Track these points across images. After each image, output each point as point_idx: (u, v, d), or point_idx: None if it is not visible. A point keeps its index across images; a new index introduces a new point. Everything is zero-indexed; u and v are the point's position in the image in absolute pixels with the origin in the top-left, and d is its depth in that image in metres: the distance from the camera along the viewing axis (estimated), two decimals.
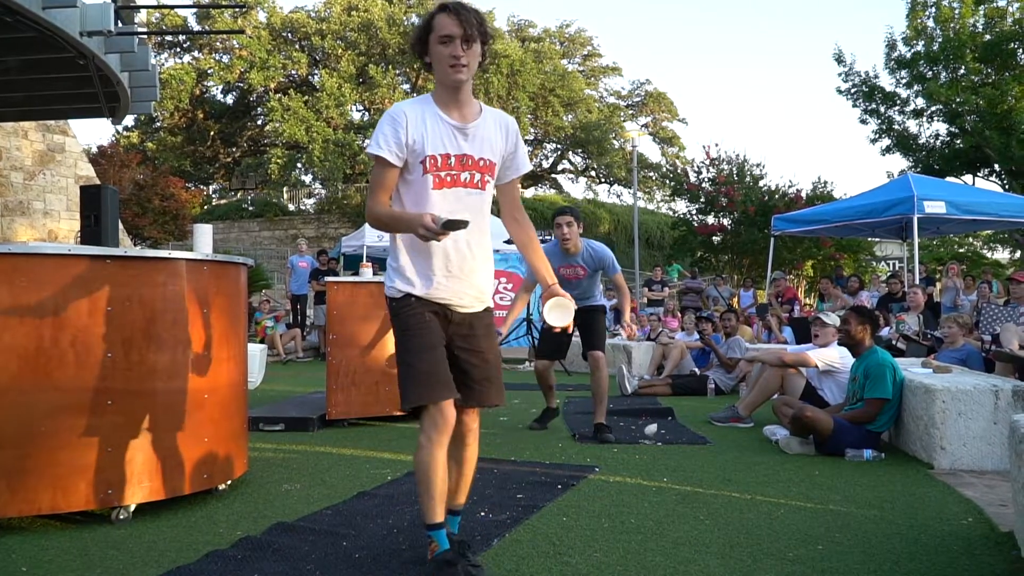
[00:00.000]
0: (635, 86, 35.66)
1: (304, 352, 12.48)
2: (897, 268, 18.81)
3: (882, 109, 23.41)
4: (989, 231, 22.71)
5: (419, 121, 2.38)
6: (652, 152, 41.31)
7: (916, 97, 22.79)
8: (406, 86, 29.81)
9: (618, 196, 36.06)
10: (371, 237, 14.54)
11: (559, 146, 34.54)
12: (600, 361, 5.15)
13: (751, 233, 19.15)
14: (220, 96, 32.46)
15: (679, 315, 11.62)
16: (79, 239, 5.00)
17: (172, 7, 21.59)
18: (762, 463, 4.26)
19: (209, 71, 30.19)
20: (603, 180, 35.36)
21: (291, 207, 30.35)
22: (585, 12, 74.69)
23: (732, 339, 7.82)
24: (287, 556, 2.63)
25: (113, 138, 30.22)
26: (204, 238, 3.86)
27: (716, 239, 20.97)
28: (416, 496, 3.42)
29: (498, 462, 4.22)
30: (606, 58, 42.08)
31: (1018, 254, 25.54)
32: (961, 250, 28.91)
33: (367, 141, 2.89)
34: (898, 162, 35.03)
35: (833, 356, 5.22)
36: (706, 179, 21.22)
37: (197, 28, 29.13)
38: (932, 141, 23.45)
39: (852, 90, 23.48)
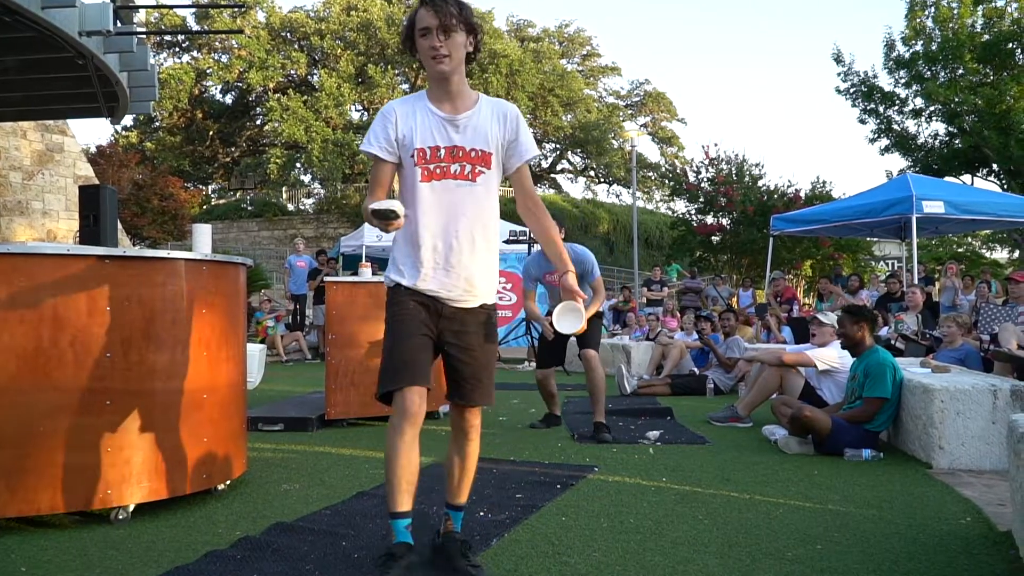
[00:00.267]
0: (634, 86, 35.74)
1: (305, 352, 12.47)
2: (896, 268, 18.81)
3: (881, 109, 23.43)
4: (988, 231, 22.73)
5: (409, 116, 2.40)
6: (651, 152, 41.34)
7: (915, 97, 22.81)
8: (405, 86, 29.81)
9: (617, 196, 36.12)
10: (370, 237, 14.54)
11: (558, 146, 34.57)
12: (594, 360, 5.16)
13: (750, 233, 19.17)
14: (219, 96, 32.48)
15: (678, 315, 11.63)
16: (78, 239, 5.00)
17: (171, 7, 21.57)
18: (761, 463, 4.26)
19: (208, 71, 30.19)
20: (602, 180, 35.40)
21: (290, 207, 30.36)
22: (584, 12, 74.75)
23: (731, 339, 7.82)
24: (286, 556, 2.63)
25: (112, 138, 30.21)
26: (203, 238, 3.86)
27: (715, 239, 21.00)
28: (416, 495, 3.43)
29: (497, 462, 4.22)
30: (605, 58, 42.11)
31: (1016, 254, 25.56)
32: (960, 250, 28.93)
33: None
34: (897, 162, 35.04)
35: (832, 356, 5.22)
36: (705, 179, 21.23)
37: (196, 28, 29.14)
38: (931, 141, 23.47)
39: (851, 90, 23.49)
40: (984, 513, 3.21)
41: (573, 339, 5.34)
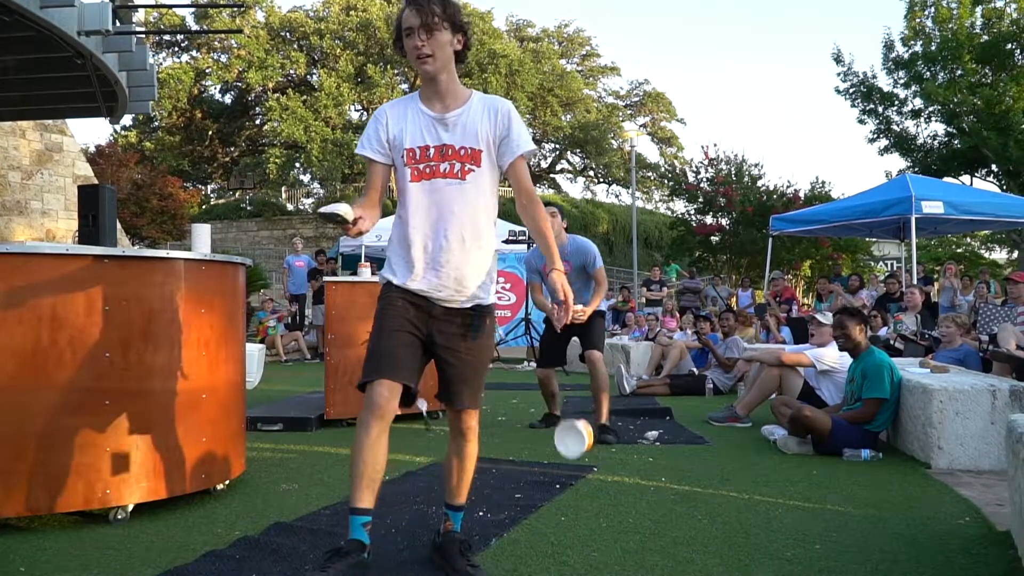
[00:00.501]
0: (633, 86, 35.77)
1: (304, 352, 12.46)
2: (895, 268, 18.83)
3: (880, 109, 23.43)
4: (987, 231, 22.74)
5: (400, 117, 2.40)
6: (650, 152, 41.33)
7: (914, 97, 22.81)
8: (404, 86, 29.81)
9: (616, 196, 36.14)
10: (369, 237, 14.52)
11: (557, 146, 34.58)
12: (598, 361, 5.08)
13: (749, 233, 19.18)
14: (218, 96, 32.48)
15: (677, 315, 11.63)
16: (77, 239, 5.00)
17: (170, 6, 21.58)
18: (760, 463, 4.26)
19: (207, 71, 30.19)
20: (601, 180, 35.41)
21: (289, 207, 30.37)
22: (583, 12, 74.76)
23: (730, 339, 7.82)
24: (285, 556, 2.63)
25: (111, 137, 30.23)
26: (202, 238, 3.86)
27: (714, 239, 21.01)
28: (415, 495, 3.44)
29: (496, 462, 4.22)
30: (604, 58, 42.16)
31: (1015, 254, 25.56)
32: (959, 250, 28.95)
33: None
34: (896, 162, 35.07)
35: (831, 356, 5.22)
36: (704, 179, 21.25)
37: (195, 27, 29.14)
38: (930, 141, 23.47)
39: (850, 90, 23.49)
40: (983, 513, 3.22)
41: (575, 339, 5.28)
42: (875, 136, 23.89)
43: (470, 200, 2.37)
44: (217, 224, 25.46)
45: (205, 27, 27.78)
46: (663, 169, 31.71)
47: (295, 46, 30.22)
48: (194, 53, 30.81)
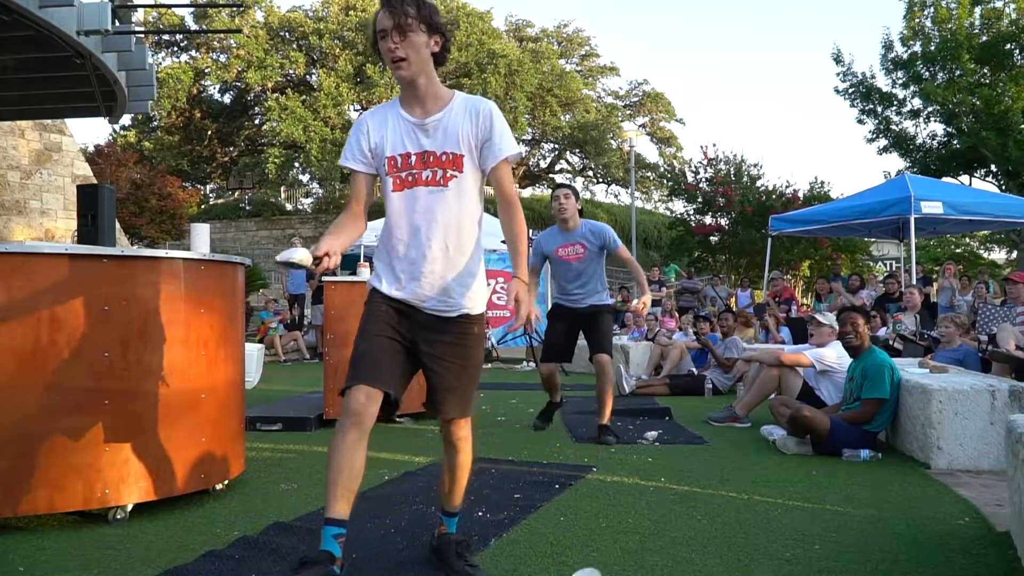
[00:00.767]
0: (633, 86, 35.74)
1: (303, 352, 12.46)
2: (894, 268, 18.85)
3: (879, 109, 23.44)
4: (986, 231, 22.76)
5: (381, 124, 2.35)
6: (650, 152, 41.34)
7: (913, 97, 22.82)
8: None
9: (616, 196, 36.15)
10: (368, 237, 14.52)
11: (557, 146, 34.57)
12: (607, 366, 4.97)
13: (748, 233, 19.19)
14: (217, 95, 32.45)
15: (676, 315, 11.63)
16: (76, 238, 4.99)
17: (169, 6, 21.57)
18: (759, 463, 4.26)
19: (206, 70, 30.17)
20: (601, 180, 35.40)
21: (288, 207, 30.38)
22: (583, 12, 74.77)
23: (729, 339, 7.82)
24: (284, 556, 2.62)
25: (110, 137, 30.21)
26: (201, 238, 3.86)
27: (713, 239, 21.03)
28: (414, 495, 3.43)
29: (495, 462, 4.22)
30: (604, 58, 42.15)
31: (1014, 254, 25.58)
32: (958, 250, 28.98)
33: None
34: (895, 162, 35.04)
35: (831, 356, 5.22)
36: (703, 179, 21.26)
37: (194, 27, 29.11)
38: (929, 141, 23.47)
39: (850, 90, 23.50)
40: (982, 513, 3.22)
41: (583, 341, 5.15)
42: (874, 136, 23.90)
43: (453, 207, 2.30)
44: (216, 224, 25.47)
45: (204, 27, 27.76)
46: (662, 169, 31.71)
47: (294, 46, 30.20)
48: (193, 53, 30.80)
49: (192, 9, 27.84)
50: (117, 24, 7.14)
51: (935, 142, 23.39)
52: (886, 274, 14.93)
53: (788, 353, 5.51)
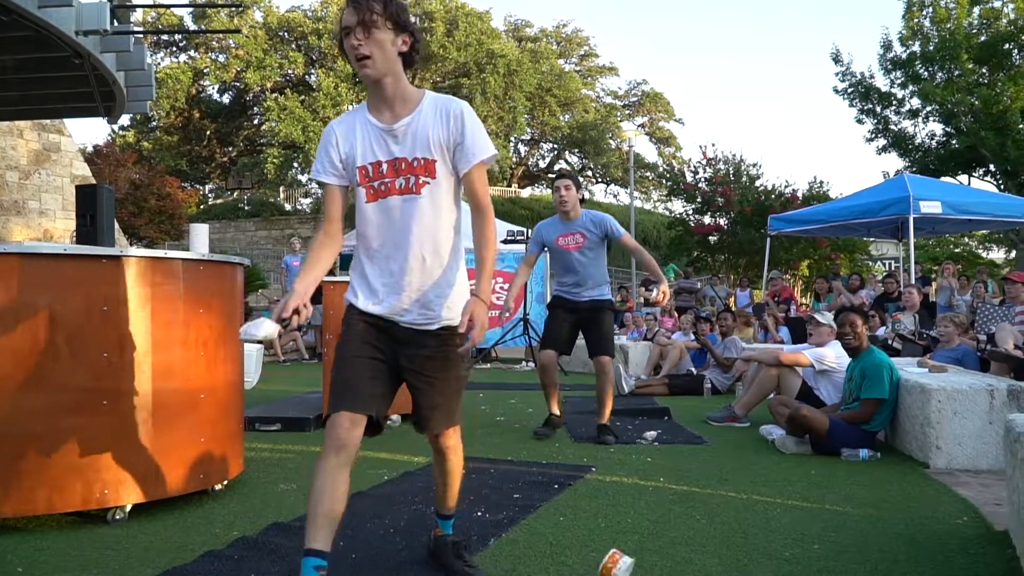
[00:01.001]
0: (632, 86, 35.78)
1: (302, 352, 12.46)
2: (893, 268, 18.84)
3: (878, 109, 23.46)
4: (984, 231, 22.77)
5: (349, 132, 2.23)
6: (649, 152, 41.32)
7: (912, 97, 22.84)
8: None
9: (615, 196, 36.16)
10: None
11: (556, 146, 34.58)
12: (608, 367, 4.90)
13: (747, 233, 19.20)
14: (216, 95, 32.41)
15: (675, 315, 11.63)
16: (75, 239, 4.99)
17: (168, 6, 21.52)
18: (758, 463, 4.27)
19: (205, 70, 30.13)
20: (600, 180, 35.41)
21: (287, 207, 30.35)
22: (582, 12, 74.78)
23: (728, 339, 7.82)
24: (284, 556, 2.62)
25: (109, 137, 30.17)
26: (200, 238, 3.86)
27: (712, 239, 21.03)
28: (414, 495, 3.43)
29: (495, 462, 4.22)
30: (603, 58, 42.18)
31: (1013, 254, 25.60)
32: (957, 250, 29.01)
33: None
34: (894, 162, 35.06)
35: (829, 356, 5.22)
36: (702, 179, 21.27)
37: (193, 27, 29.07)
38: (928, 141, 23.50)
39: (848, 90, 23.52)
40: (981, 513, 3.22)
41: (582, 342, 5.09)
42: (873, 136, 23.93)
43: (428, 215, 2.19)
44: (215, 224, 25.45)
45: (203, 27, 27.72)
46: (661, 169, 31.74)
47: (293, 46, 30.17)
48: (192, 53, 30.76)
49: (191, 9, 27.80)
50: (116, 24, 7.14)
51: (934, 142, 23.42)
52: (885, 274, 14.94)
53: (787, 353, 5.51)
